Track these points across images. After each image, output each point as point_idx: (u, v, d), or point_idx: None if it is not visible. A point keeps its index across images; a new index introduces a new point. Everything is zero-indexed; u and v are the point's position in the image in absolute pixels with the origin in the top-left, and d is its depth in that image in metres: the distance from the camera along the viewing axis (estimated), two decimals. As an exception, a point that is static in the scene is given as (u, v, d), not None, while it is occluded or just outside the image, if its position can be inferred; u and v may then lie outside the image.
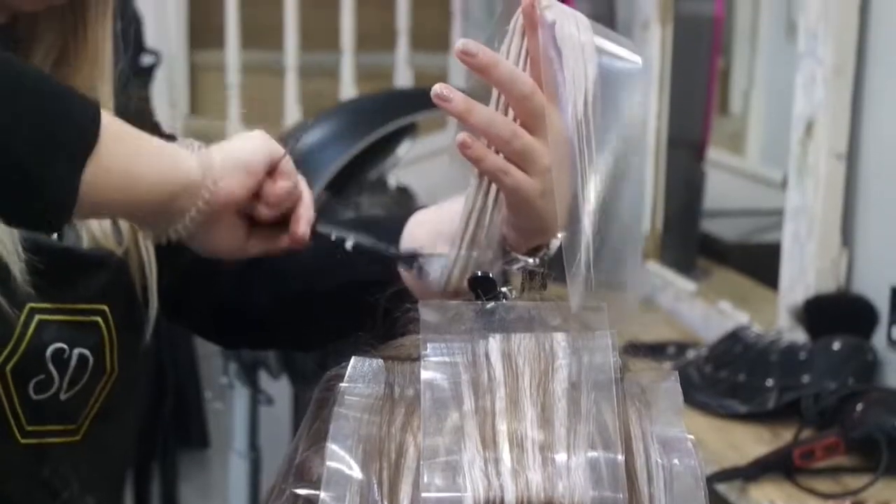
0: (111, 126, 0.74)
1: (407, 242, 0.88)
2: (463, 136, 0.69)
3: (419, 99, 2.26)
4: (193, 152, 0.80)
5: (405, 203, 2.19)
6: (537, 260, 0.78)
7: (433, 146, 2.77)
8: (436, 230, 0.85)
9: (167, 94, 3.06)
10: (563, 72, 0.66)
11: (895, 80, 1.58)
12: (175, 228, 0.80)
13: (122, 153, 0.74)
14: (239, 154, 0.82)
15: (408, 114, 2.03)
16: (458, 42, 0.68)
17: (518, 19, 0.69)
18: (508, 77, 0.69)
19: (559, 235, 0.79)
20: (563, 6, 0.68)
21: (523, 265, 0.76)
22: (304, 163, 1.97)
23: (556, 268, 0.80)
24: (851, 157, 1.64)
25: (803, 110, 1.67)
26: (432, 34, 3.21)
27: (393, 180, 2.29)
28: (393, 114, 2.02)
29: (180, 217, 0.79)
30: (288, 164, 0.84)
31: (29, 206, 0.71)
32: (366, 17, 3.05)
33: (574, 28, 0.67)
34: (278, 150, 0.84)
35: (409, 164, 2.46)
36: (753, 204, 2.42)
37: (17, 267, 0.82)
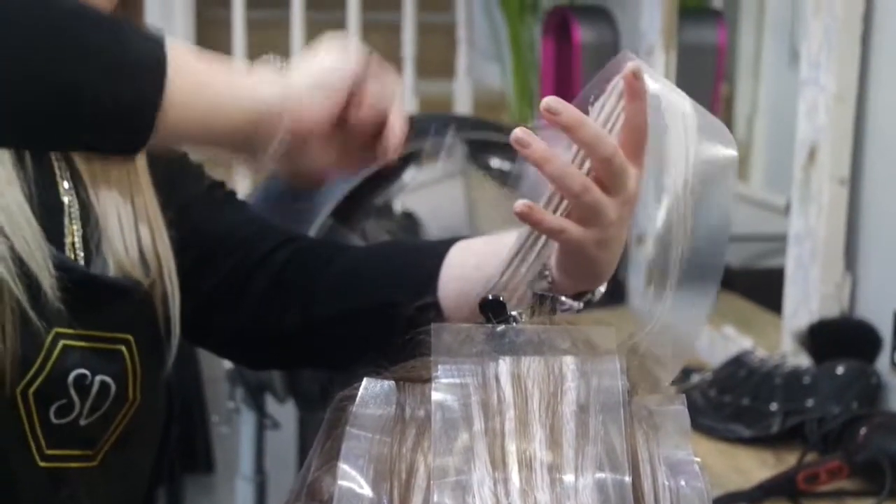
0: (185, 58, 0.75)
1: (448, 274, 0.87)
2: (522, 205, 0.69)
3: (425, 125, 2.27)
4: (273, 76, 0.79)
5: (411, 228, 2.20)
6: (581, 304, 0.78)
7: (438, 172, 2.78)
8: (479, 264, 0.84)
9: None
10: (666, 145, 0.67)
11: (895, 106, 1.60)
12: (263, 154, 0.79)
13: (196, 83, 0.75)
14: (321, 73, 0.80)
15: (413, 140, 2.04)
16: (544, 100, 0.68)
17: (619, 83, 0.70)
18: (593, 139, 0.69)
19: (604, 285, 0.80)
20: (666, 80, 0.69)
21: (568, 308, 0.76)
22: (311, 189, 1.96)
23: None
24: (854, 183, 1.65)
25: (806, 136, 1.68)
26: (437, 62, 3.23)
27: (399, 206, 2.30)
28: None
29: (266, 143, 0.79)
30: (376, 70, 0.82)
31: (109, 132, 0.73)
32: (371, 44, 3.05)
33: (681, 105, 0.68)
34: (360, 63, 0.82)
35: (415, 190, 2.46)
36: (757, 229, 2.43)
37: (48, 282, 0.83)
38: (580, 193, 0.71)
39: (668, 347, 0.66)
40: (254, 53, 3.06)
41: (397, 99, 0.85)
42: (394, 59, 3.06)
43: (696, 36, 2.15)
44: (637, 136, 0.70)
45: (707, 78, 2.17)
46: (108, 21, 0.74)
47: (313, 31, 3.00)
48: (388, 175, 1.99)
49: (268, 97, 0.78)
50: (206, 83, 0.76)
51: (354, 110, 0.82)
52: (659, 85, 0.69)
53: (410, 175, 2.05)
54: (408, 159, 2.08)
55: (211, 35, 3.23)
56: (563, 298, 0.76)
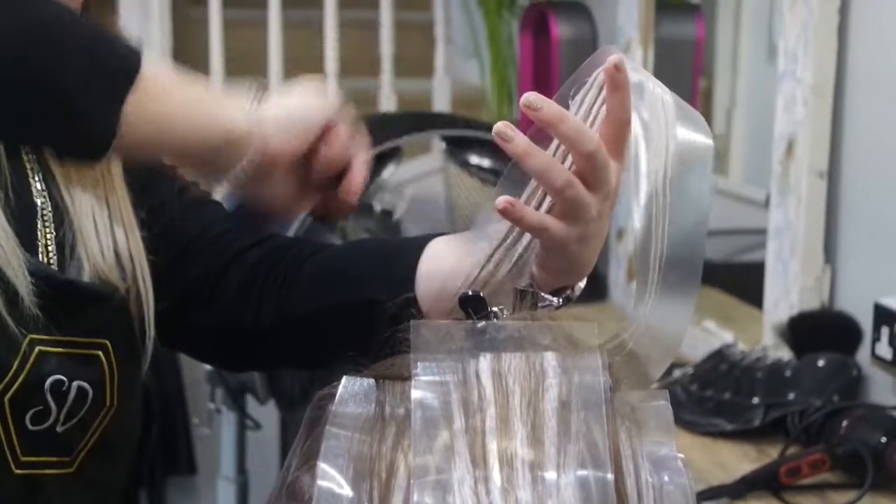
0: (158, 69, 0.76)
1: (426, 270, 0.87)
2: (503, 201, 0.69)
3: (403, 123, 2.27)
4: (247, 104, 0.80)
5: (390, 227, 2.19)
6: (561, 300, 0.78)
7: (418, 169, 2.78)
8: (458, 260, 0.84)
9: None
10: (647, 137, 0.66)
11: (874, 99, 1.60)
12: (223, 179, 0.80)
13: (167, 94, 0.76)
14: (294, 110, 0.82)
15: (392, 138, 2.04)
16: (524, 96, 0.68)
17: (600, 74, 0.69)
18: (574, 133, 0.69)
19: (583, 281, 0.80)
20: (645, 71, 0.69)
21: (548, 304, 0.76)
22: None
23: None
24: (832, 175, 1.65)
25: (784, 130, 1.68)
26: (416, 60, 3.22)
27: (377, 204, 2.30)
28: (377, 138, 2.02)
29: (230, 168, 0.80)
30: (347, 118, 0.84)
31: (71, 134, 0.74)
32: (349, 43, 3.06)
33: (661, 97, 0.67)
34: (335, 106, 0.84)
35: (394, 188, 2.46)
36: (737, 223, 2.43)
37: (25, 289, 0.82)
38: (563, 189, 0.70)
39: (655, 346, 0.65)
40: (231, 52, 3.05)
41: (363, 150, 0.86)
42: (372, 57, 3.05)
43: (673, 30, 2.16)
44: (618, 129, 0.70)
45: (685, 72, 2.17)
46: (88, 26, 0.75)
47: (290, 30, 3.00)
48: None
49: (239, 121, 0.79)
50: (177, 96, 0.77)
51: (324, 149, 0.83)
52: (639, 76, 0.68)
53: (389, 173, 2.04)
54: (387, 157, 2.07)
55: (188, 33, 3.22)
56: (543, 294, 0.76)
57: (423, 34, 3.22)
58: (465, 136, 2.09)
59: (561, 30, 2.26)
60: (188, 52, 3.21)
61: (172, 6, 3.12)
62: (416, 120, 2.35)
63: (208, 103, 0.79)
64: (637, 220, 0.67)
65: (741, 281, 2.07)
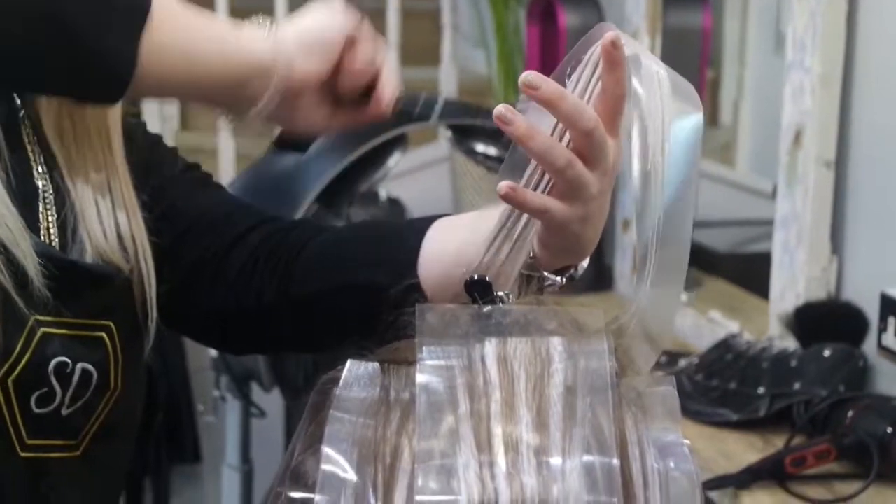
0: (170, 4, 0.75)
1: (430, 252, 0.87)
2: (505, 186, 0.68)
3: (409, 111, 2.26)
4: (265, 33, 0.79)
5: (396, 215, 2.19)
6: (564, 280, 0.78)
7: (424, 158, 2.77)
8: (462, 242, 0.83)
9: (158, 108, 3.05)
10: (643, 113, 0.66)
11: (882, 89, 1.59)
12: (253, 111, 0.80)
13: (181, 30, 0.75)
14: (313, 32, 0.81)
15: (398, 126, 2.03)
16: (523, 75, 0.68)
17: (595, 51, 0.69)
18: (574, 112, 0.69)
19: (586, 260, 0.79)
20: (641, 46, 0.68)
21: (551, 284, 0.76)
22: (295, 175, 1.97)
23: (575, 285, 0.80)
24: (840, 166, 1.65)
25: (792, 119, 1.67)
26: (422, 48, 3.21)
27: (384, 192, 2.30)
28: (383, 126, 2.02)
29: (255, 100, 0.79)
30: (366, 32, 0.83)
31: (89, 75, 0.73)
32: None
33: (657, 72, 0.67)
34: (353, 21, 0.83)
35: (400, 176, 2.46)
36: (744, 214, 2.43)
37: (34, 269, 0.82)
38: (564, 168, 0.70)
39: (648, 329, 0.65)
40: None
41: (388, 59, 0.86)
42: (378, 45, 3.05)
43: (681, 20, 2.15)
44: (614, 106, 0.70)
45: (692, 62, 2.17)
46: None
47: (297, 18, 2.99)
48: (373, 160, 1.98)
49: (259, 52, 0.78)
50: (193, 30, 0.76)
51: (347, 67, 0.82)
52: (634, 50, 0.68)
53: (395, 161, 2.04)
54: (393, 145, 2.07)
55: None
56: (546, 274, 0.75)
57: (430, 22, 3.22)
58: (470, 124, 2.08)
59: (568, 19, 2.26)
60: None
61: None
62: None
63: (229, 35, 0.78)
64: (636, 191, 0.67)
65: (747, 271, 2.07)
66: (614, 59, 0.68)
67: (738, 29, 2.58)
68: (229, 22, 0.79)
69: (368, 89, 0.85)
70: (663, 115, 0.65)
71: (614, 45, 0.67)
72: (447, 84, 3.07)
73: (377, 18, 3.04)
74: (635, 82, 0.66)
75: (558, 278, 0.77)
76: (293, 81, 0.79)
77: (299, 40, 0.80)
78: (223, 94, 0.79)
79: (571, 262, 0.78)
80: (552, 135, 0.70)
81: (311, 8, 0.83)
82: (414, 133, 2.23)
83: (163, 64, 0.74)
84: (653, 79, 0.66)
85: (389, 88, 0.85)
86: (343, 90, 0.84)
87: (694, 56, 2.19)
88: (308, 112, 0.83)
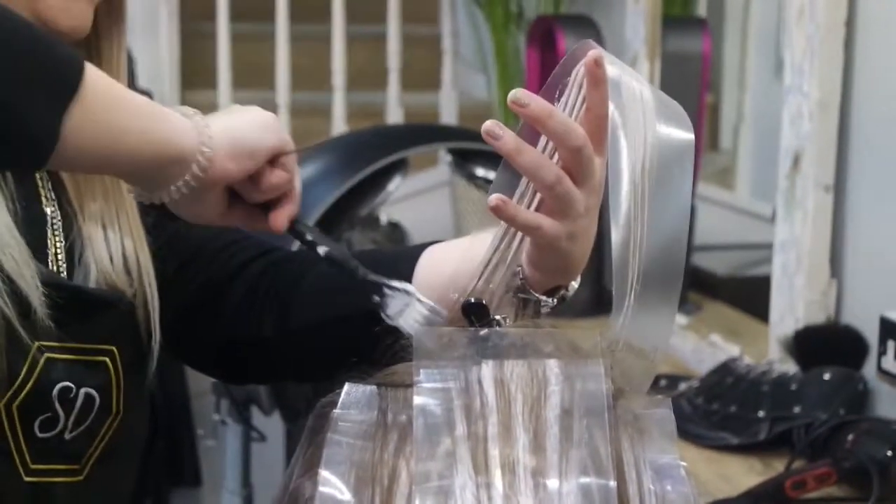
0: (101, 80, 0.74)
1: (423, 279, 0.87)
2: (496, 199, 0.69)
3: (410, 135, 2.27)
4: (193, 124, 0.79)
5: (396, 239, 2.19)
6: (555, 300, 0.78)
7: (424, 182, 2.78)
8: (456, 269, 0.83)
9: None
10: (625, 131, 0.66)
11: (879, 113, 1.60)
12: (160, 194, 0.79)
13: (110, 107, 0.74)
14: (244, 138, 0.80)
15: (399, 150, 2.04)
16: (512, 92, 0.69)
17: (580, 70, 0.70)
18: (562, 129, 0.69)
19: (577, 280, 0.80)
20: (626, 66, 0.69)
21: (545, 305, 0.76)
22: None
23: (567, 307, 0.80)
24: (838, 189, 1.65)
25: (790, 144, 1.68)
26: (422, 73, 3.23)
27: (384, 216, 2.30)
28: (384, 150, 2.03)
29: (168, 184, 0.78)
30: (291, 158, 0.84)
31: (9, 142, 0.71)
32: (357, 56, 3.07)
33: (639, 90, 0.67)
34: (286, 141, 0.83)
35: (400, 200, 2.47)
36: (743, 238, 2.43)
37: (38, 300, 0.82)
38: (554, 185, 0.70)
39: (640, 346, 0.65)
40: (239, 66, 3.06)
41: (297, 188, 0.86)
42: (379, 70, 3.06)
43: (680, 44, 2.16)
44: (599, 124, 0.70)
45: (692, 87, 2.17)
46: (28, 31, 0.73)
47: (298, 44, 3.01)
48: (374, 184, 1.98)
49: (184, 142, 0.77)
50: (121, 109, 0.75)
51: (261, 180, 0.82)
52: (617, 70, 0.68)
53: (396, 185, 2.05)
54: (394, 170, 2.08)
55: (196, 47, 3.23)
56: (537, 296, 0.76)
57: (431, 48, 3.23)
58: (471, 148, 2.09)
59: (568, 43, 2.27)
60: (196, 66, 3.23)
61: (181, 19, 3.13)
62: (422, 132, 2.35)
63: (154, 115, 0.77)
64: (620, 211, 0.67)
65: (747, 295, 2.07)
66: (598, 77, 0.68)
67: (737, 54, 2.59)
68: (158, 106, 0.79)
69: (271, 201, 0.85)
70: (646, 133, 0.66)
71: (597, 64, 0.68)
72: (448, 108, 3.08)
73: (378, 44, 3.06)
74: (618, 101, 0.67)
75: (550, 299, 0.77)
76: (208, 178, 0.78)
77: (227, 140, 0.79)
78: (140, 174, 0.78)
79: (562, 283, 0.78)
80: (543, 152, 0.70)
81: (250, 110, 0.83)
82: (415, 157, 2.23)
83: (85, 139, 0.73)
84: (635, 97, 0.66)
85: (286, 214, 0.84)
86: (251, 196, 0.84)
87: (694, 81, 2.19)
88: (209, 205, 0.83)
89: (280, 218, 0.84)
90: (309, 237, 0.84)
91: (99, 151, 0.74)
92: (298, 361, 0.97)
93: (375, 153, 1.99)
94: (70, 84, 0.72)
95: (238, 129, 0.81)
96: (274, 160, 0.83)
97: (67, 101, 0.71)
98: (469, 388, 0.54)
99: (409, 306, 0.75)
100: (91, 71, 0.73)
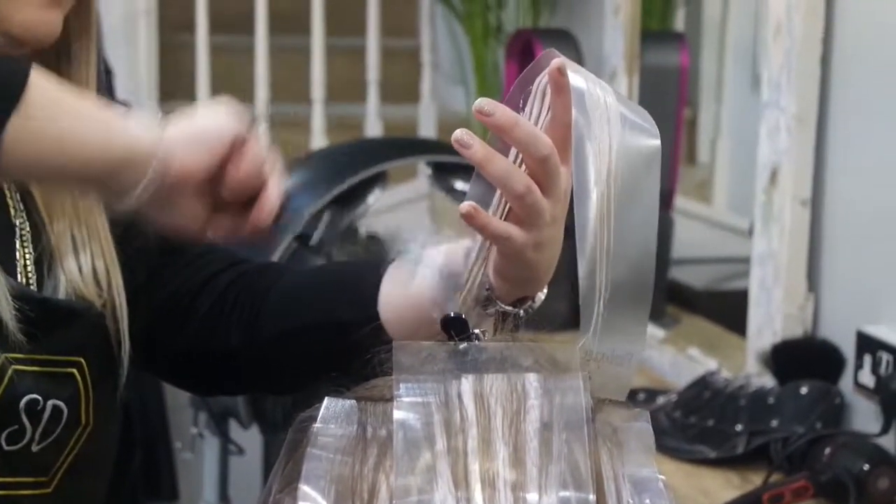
0: (48, 91, 0.72)
1: (393, 279, 0.87)
2: (468, 206, 0.69)
3: (389, 148, 2.28)
4: (146, 126, 0.76)
5: (375, 251, 2.19)
6: (522, 311, 0.78)
7: (403, 195, 2.78)
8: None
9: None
10: (589, 139, 0.66)
11: (857, 127, 1.61)
12: (125, 201, 0.77)
13: (56, 116, 0.73)
14: (197, 130, 0.78)
15: (378, 163, 2.04)
16: (476, 101, 0.68)
17: (543, 79, 0.70)
18: (527, 138, 0.69)
19: (543, 291, 0.79)
20: (589, 73, 0.68)
21: (510, 315, 0.76)
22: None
23: (537, 318, 0.80)
24: (816, 204, 1.66)
25: (768, 158, 1.69)
26: (402, 86, 3.23)
27: (363, 229, 2.30)
28: (363, 163, 2.03)
29: (128, 190, 0.76)
30: (255, 145, 0.80)
31: None
32: (336, 69, 3.07)
33: (603, 98, 0.67)
34: (242, 123, 0.80)
35: (380, 213, 2.46)
36: (721, 252, 2.44)
37: (8, 314, 0.82)
38: (524, 194, 0.70)
39: (613, 354, 0.65)
40: (217, 78, 3.06)
41: (276, 169, 0.82)
42: (358, 83, 3.06)
43: (658, 59, 2.17)
44: (563, 132, 0.70)
45: (670, 101, 2.18)
46: None
47: (277, 56, 3.00)
48: (353, 197, 1.98)
49: (141, 138, 0.75)
50: (70, 113, 0.73)
51: (232, 172, 0.79)
52: (581, 78, 0.68)
53: (375, 198, 2.05)
54: (373, 183, 2.08)
55: (175, 60, 3.22)
56: (504, 307, 0.76)
57: (410, 60, 3.23)
58: (450, 161, 2.09)
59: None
60: (175, 78, 3.22)
61: (160, 31, 3.12)
62: (402, 145, 2.36)
63: (105, 120, 0.75)
64: (587, 220, 0.66)
65: (725, 309, 2.08)
66: (561, 86, 0.68)
67: (715, 68, 2.61)
68: (110, 110, 0.76)
69: (252, 199, 0.81)
70: (611, 140, 0.66)
71: (560, 73, 0.68)
72: (426, 121, 3.09)
73: (357, 57, 3.06)
74: (580, 110, 0.66)
75: (517, 310, 0.77)
76: (170, 176, 0.76)
77: (181, 137, 0.77)
78: (96, 181, 0.76)
79: (528, 293, 0.78)
80: (514, 162, 0.70)
81: (205, 105, 0.80)
82: (394, 170, 2.24)
83: (29, 150, 0.72)
84: (599, 105, 0.66)
85: (273, 200, 0.80)
86: (226, 196, 0.80)
87: (671, 95, 2.20)
88: (185, 212, 0.79)
89: (260, 214, 0.81)
90: (299, 230, 0.82)
91: (46, 161, 0.73)
92: (268, 372, 0.97)
93: (354, 166, 1.99)
94: (7, 97, 0.71)
95: (192, 124, 0.79)
96: (240, 155, 0.79)
97: (7, 113, 0.70)
98: (449, 403, 0.54)
99: (425, 251, 0.75)
100: (38, 82, 0.72)
